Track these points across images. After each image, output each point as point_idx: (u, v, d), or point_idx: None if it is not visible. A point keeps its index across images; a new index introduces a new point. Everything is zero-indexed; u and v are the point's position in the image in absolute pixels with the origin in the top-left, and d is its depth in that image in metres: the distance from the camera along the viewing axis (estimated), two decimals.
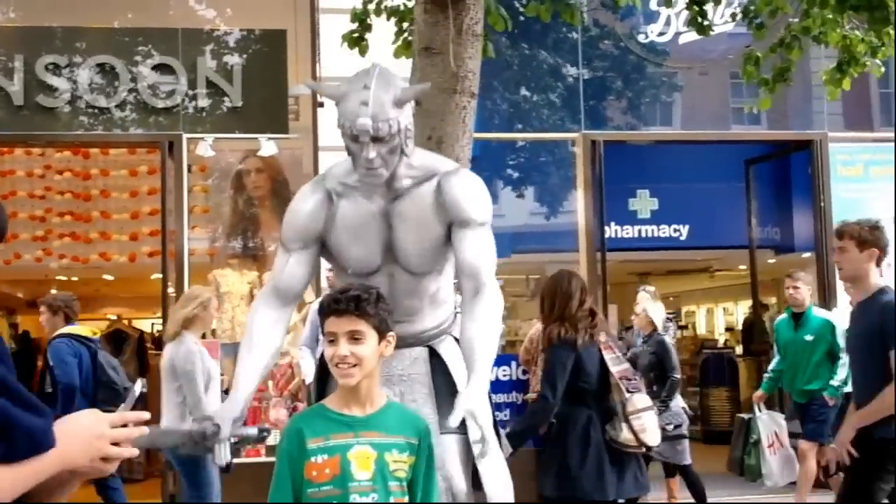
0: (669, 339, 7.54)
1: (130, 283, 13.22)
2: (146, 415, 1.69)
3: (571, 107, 9.00)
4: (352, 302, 2.52)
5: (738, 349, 13.16)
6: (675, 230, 10.15)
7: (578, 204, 8.86)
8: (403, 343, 2.80)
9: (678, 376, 7.29)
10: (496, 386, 8.38)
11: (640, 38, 9.15)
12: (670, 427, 6.82)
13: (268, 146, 8.40)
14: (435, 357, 3.39)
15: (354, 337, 2.52)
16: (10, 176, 9.60)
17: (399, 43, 6.17)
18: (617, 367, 4.62)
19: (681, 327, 15.26)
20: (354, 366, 2.50)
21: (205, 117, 8.33)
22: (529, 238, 9.63)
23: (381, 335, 2.56)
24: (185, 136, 8.22)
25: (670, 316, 8.56)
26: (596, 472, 4.47)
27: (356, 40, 6.48)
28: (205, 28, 8.48)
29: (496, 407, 8.22)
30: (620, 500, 4.74)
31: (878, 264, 4.30)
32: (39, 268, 10.29)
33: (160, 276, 8.33)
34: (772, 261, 10.85)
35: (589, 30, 9.15)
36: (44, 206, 9.67)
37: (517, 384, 8.43)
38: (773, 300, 13.11)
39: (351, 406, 2.58)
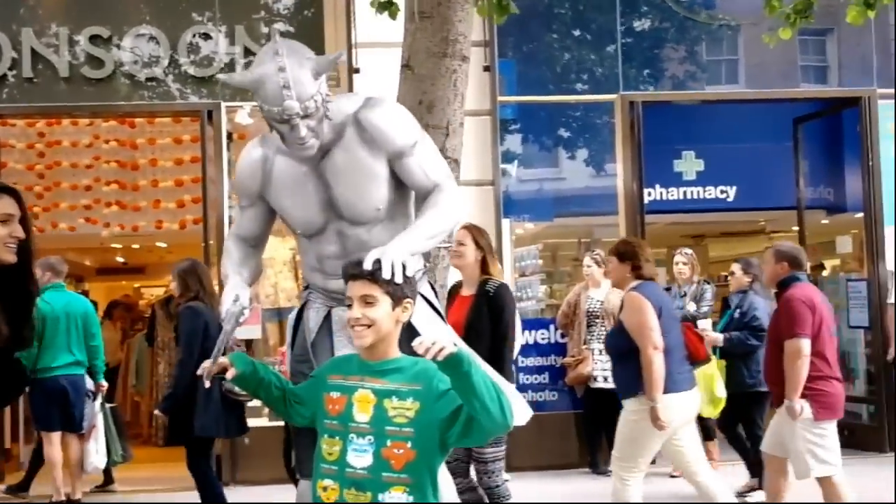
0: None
1: (185, 251, 13.39)
2: None
3: (610, 68, 8.86)
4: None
5: None
6: (723, 191, 9.94)
7: (618, 167, 8.76)
8: None
9: None
10: (534, 349, 8.41)
11: None
12: None
13: None
14: None
15: (367, 301, 2.63)
16: (55, 147, 9.82)
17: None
18: None
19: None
20: (368, 327, 2.63)
21: None
22: (571, 202, 9.52)
23: (396, 301, 2.66)
24: (224, 104, 8.30)
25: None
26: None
27: (385, 5, 6.39)
28: None
29: (535, 370, 8.33)
30: None
31: None
32: (91, 236, 10.50)
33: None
34: (825, 221, 10.54)
35: None
36: (91, 175, 9.86)
37: (555, 347, 8.43)
38: (835, 262, 12.74)
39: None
